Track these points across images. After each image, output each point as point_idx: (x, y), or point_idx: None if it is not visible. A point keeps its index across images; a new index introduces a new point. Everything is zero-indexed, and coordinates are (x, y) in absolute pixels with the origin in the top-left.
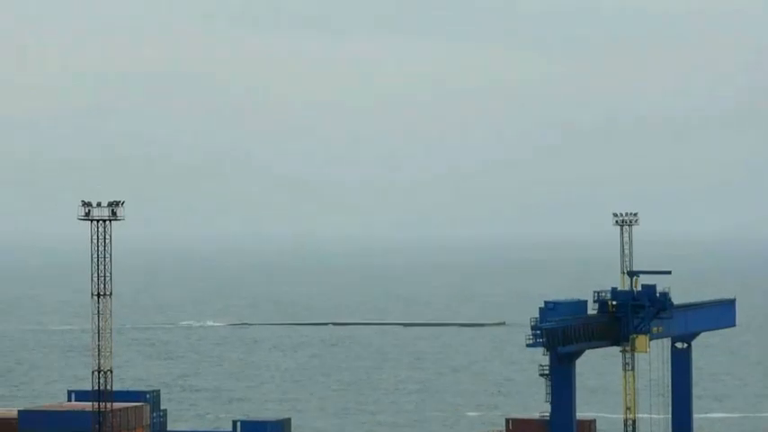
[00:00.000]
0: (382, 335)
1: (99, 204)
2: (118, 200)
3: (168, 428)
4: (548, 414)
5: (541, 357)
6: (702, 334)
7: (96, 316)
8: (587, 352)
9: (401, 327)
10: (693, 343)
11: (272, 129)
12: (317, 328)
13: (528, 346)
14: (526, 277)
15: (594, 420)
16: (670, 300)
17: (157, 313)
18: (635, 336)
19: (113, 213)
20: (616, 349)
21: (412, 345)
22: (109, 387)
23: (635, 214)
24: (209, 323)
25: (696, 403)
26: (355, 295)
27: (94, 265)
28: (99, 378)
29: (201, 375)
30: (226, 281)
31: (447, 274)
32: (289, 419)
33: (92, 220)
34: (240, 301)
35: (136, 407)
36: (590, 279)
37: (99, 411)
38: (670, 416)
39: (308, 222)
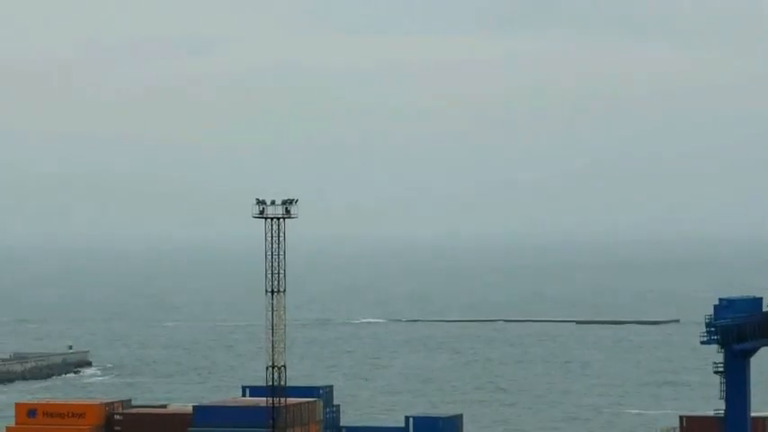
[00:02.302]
0: (553, 331)
1: (273, 203)
2: (291, 198)
3: (341, 424)
4: (722, 411)
5: (716, 355)
6: None
7: (270, 312)
8: (763, 349)
9: (574, 324)
10: None
11: None
12: (487, 324)
13: (702, 343)
14: (700, 275)
15: None
16: None
17: (323, 310)
18: None
19: (287, 211)
20: None
21: (584, 341)
22: (282, 382)
23: None
24: (376, 320)
25: None
26: (524, 292)
27: (268, 262)
28: (273, 373)
29: (371, 371)
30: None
31: (616, 271)
32: (460, 415)
33: (266, 218)
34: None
35: (309, 402)
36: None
37: (273, 407)
38: None
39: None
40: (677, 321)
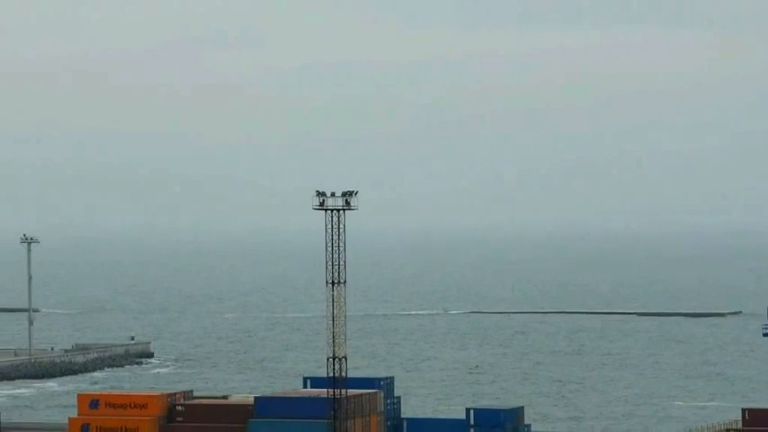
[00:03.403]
0: (612, 324)
1: (333, 194)
2: (351, 190)
3: (402, 416)
4: None
5: None
6: None
7: (331, 303)
8: None
9: (635, 316)
10: None
11: None
12: (545, 316)
13: (765, 335)
14: (747, 266)
15: None
16: None
17: (389, 301)
18: None
19: (347, 203)
20: None
21: (646, 334)
22: (343, 374)
23: None
24: (429, 311)
25: None
26: (583, 284)
27: (329, 253)
28: (334, 365)
29: (434, 363)
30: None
31: (677, 263)
32: (522, 407)
33: (326, 210)
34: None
35: (370, 394)
36: None
37: (334, 398)
38: None
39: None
40: (740, 313)
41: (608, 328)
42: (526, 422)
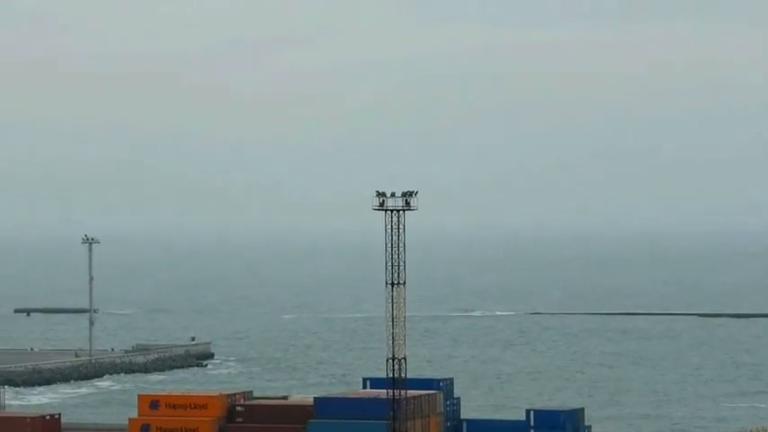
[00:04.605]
0: (665, 325)
1: (393, 195)
2: (412, 190)
3: (461, 417)
4: None
5: None
6: None
7: (390, 304)
8: None
9: (696, 317)
10: None
11: None
12: (598, 317)
13: None
14: None
15: None
16: None
17: (447, 302)
18: None
19: (407, 203)
20: None
21: (698, 334)
22: (403, 374)
23: None
24: (500, 312)
25: None
26: (641, 283)
27: (388, 254)
28: (393, 366)
29: (494, 365)
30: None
31: (751, 262)
32: (582, 409)
33: (386, 211)
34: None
35: (429, 395)
36: None
37: (393, 399)
38: None
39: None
40: None
41: (660, 329)
42: (586, 423)
